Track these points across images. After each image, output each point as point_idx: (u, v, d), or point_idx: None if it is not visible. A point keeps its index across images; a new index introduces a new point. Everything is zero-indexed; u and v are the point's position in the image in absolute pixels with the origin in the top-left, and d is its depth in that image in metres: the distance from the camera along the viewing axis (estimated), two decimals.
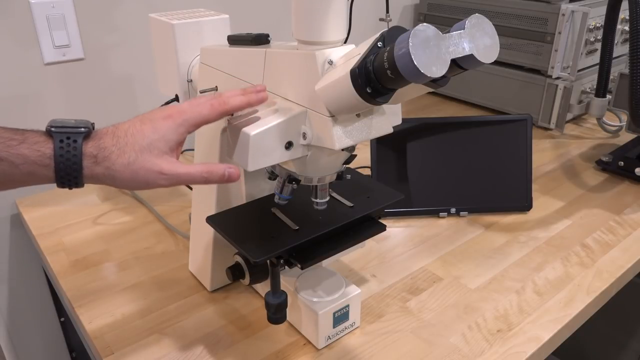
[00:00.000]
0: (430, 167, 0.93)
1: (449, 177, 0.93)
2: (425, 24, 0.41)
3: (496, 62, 1.23)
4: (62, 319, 1.12)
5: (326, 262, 0.69)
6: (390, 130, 0.54)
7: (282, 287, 0.62)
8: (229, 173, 0.52)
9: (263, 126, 0.51)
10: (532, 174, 0.93)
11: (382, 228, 0.65)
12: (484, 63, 0.44)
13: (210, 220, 0.63)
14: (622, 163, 1.05)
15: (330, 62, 0.50)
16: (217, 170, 0.51)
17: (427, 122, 0.93)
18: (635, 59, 0.90)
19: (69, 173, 0.47)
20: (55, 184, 0.48)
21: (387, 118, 0.54)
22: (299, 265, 0.59)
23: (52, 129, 0.47)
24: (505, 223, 0.92)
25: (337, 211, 0.63)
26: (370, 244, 0.86)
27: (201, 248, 0.75)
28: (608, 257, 0.82)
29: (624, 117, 1.27)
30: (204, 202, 0.72)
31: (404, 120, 0.60)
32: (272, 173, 0.59)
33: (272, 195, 0.60)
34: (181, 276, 0.79)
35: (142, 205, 0.99)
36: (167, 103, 0.84)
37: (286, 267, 0.60)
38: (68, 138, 0.47)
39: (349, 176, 0.62)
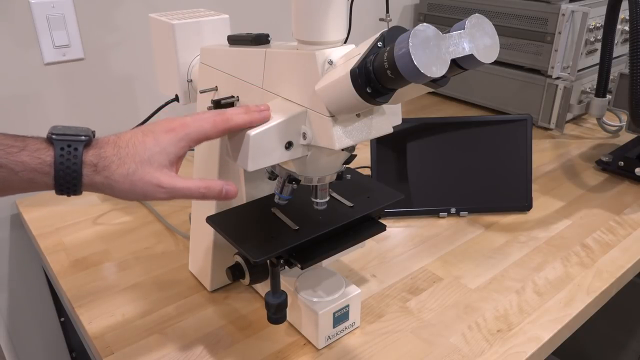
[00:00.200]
0: (430, 167, 0.93)
1: (449, 177, 0.93)
2: (425, 24, 0.41)
3: (496, 62, 1.23)
4: (62, 319, 1.12)
5: (326, 262, 0.69)
6: (390, 130, 0.54)
7: (282, 287, 0.62)
8: (226, 190, 0.52)
9: (263, 126, 0.51)
10: (532, 174, 0.94)
11: (382, 228, 0.65)
12: (484, 63, 0.44)
13: (210, 220, 0.63)
14: (622, 163, 1.05)
15: (330, 62, 0.50)
16: (215, 186, 0.52)
17: (427, 122, 0.93)
18: (635, 59, 0.90)
19: (68, 181, 0.47)
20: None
21: (387, 118, 0.54)
22: (299, 265, 0.59)
23: (54, 136, 0.47)
24: (505, 223, 0.92)
25: (337, 211, 0.63)
26: (370, 244, 0.86)
27: (201, 248, 0.75)
28: (608, 257, 0.82)
29: (624, 117, 1.27)
30: (204, 202, 0.72)
31: (404, 120, 0.60)
32: (272, 173, 0.59)
33: (272, 195, 0.60)
34: (181, 276, 0.79)
35: (142, 205, 0.99)
36: (167, 103, 0.84)
37: (286, 267, 0.60)
38: (69, 146, 0.47)
39: (349, 176, 0.62)
